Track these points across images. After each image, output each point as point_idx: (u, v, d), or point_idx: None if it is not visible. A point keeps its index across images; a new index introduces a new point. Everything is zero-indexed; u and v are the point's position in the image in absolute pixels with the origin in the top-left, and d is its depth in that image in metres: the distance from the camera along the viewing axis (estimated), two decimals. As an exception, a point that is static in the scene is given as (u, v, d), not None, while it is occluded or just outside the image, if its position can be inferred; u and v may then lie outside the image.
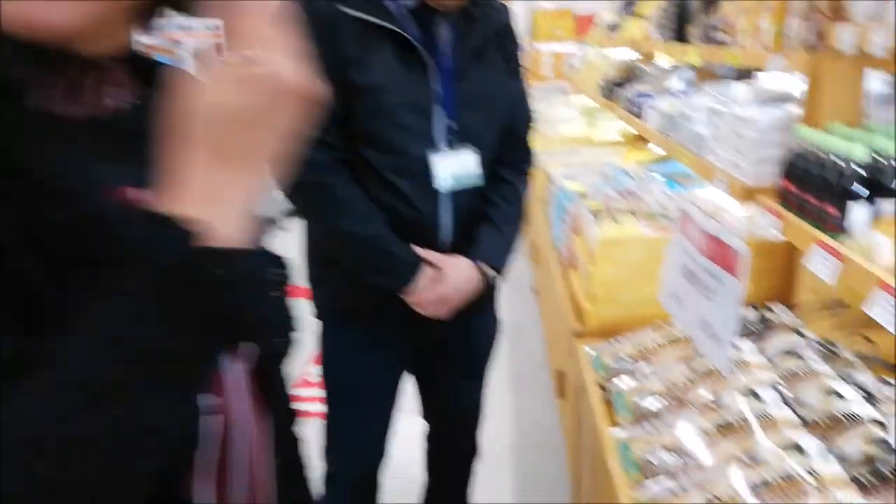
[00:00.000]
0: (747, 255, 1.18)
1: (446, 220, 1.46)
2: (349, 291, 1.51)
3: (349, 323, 1.56)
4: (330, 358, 1.63)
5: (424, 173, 1.42)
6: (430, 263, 1.45)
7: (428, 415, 1.90)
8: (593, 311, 2.03)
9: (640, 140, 3.80)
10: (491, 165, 1.54)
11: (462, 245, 1.50)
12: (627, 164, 3.13)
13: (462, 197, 1.47)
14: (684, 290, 1.48)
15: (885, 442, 1.07)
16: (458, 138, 1.44)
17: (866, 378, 1.31)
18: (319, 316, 1.62)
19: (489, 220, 1.53)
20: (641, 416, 1.45)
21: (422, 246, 1.45)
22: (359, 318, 1.54)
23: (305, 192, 1.40)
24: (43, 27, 0.50)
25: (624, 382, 1.59)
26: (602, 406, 1.59)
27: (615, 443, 1.42)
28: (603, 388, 1.66)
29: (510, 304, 3.91)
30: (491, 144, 1.52)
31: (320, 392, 1.67)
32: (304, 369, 3.21)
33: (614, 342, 1.79)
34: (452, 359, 1.73)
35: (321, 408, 1.68)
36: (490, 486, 2.38)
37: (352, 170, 1.41)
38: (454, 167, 1.44)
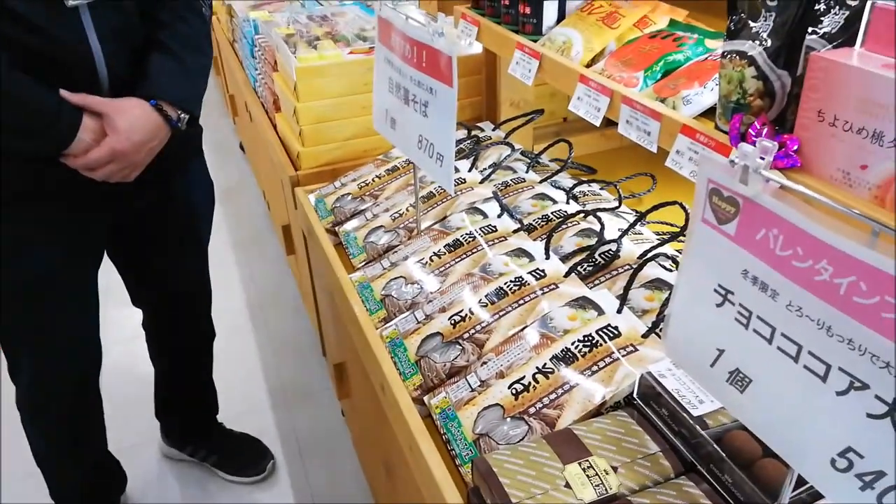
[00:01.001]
0: (455, 55, 1.09)
1: (95, 47, 1.11)
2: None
3: (15, 210, 1.18)
4: None
5: None
6: (91, 111, 1.11)
7: (140, 300, 1.62)
8: (306, 153, 1.86)
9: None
10: None
11: (129, 83, 1.17)
12: (317, -9, 2.85)
13: (108, 13, 1.11)
14: (397, 110, 1.38)
15: (594, 233, 1.14)
16: None
17: (567, 181, 1.38)
18: None
19: (161, 45, 1.20)
20: (376, 254, 1.39)
21: (74, 89, 1.10)
22: (10, 198, 1.17)
23: None
24: None
25: (352, 223, 1.50)
26: (334, 251, 1.49)
27: (354, 285, 1.35)
28: (333, 233, 1.56)
29: (218, 167, 3.53)
30: None
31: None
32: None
33: (337, 184, 1.67)
34: (157, 232, 1.45)
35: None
36: (233, 357, 2.24)
37: None
38: None
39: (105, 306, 1.43)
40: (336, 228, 1.54)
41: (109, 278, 1.47)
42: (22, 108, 1.05)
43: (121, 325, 1.90)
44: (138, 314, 1.67)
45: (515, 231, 1.22)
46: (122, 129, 1.12)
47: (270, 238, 2.96)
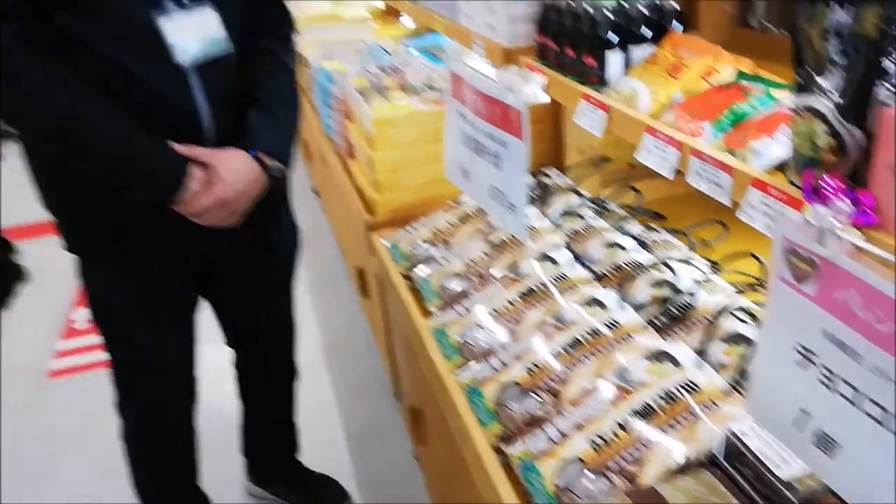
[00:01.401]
0: (526, 111, 1.14)
1: (202, 103, 1.21)
2: (103, 211, 1.24)
3: (113, 250, 1.29)
4: (98, 297, 1.36)
5: (156, 43, 1.14)
6: (198, 161, 1.21)
7: (233, 340, 1.72)
8: (381, 200, 1.95)
9: (390, 14, 3.67)
10: (242, 32, 1.29)
11: (228, 135, 1.27)
12: (383, 40, 2.99)
13: (212, 72, 1.21)
14: (469, 161, 1.44)
15: (668, 283, 1.15)
16: None
17: (636, 228, 1.40)
18: (73, 249, 1.32)
19: (257, 100, 1.31)
20: (450, 300, 1.43)
21: (180, 141, 1.20)
22: (124, 242, 1.28)
23: None
24: None
25: (426, 268, 1.56)
26: (410, 296, 1.54)
27: (430, 331, 1.39)
28: (407, 277, 1.62)
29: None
30: (233, 2, 1.26)
31: (98, 338, 1.42)
32: (68, 315, 2.80)
33: (410, 230, 1.74)
34: (251, 274, 1.55)
35: (104, 356, 1.44)
36: (308, 397, 2.32)
37: (55, 49, 1.09)
38: (192, 32, 1.17)
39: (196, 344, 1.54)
40: (411, 273, 1.60)
41: (202, 317, 1.57)
42: (136, 159, 1.16)
43: (211, 363, 2.01)
44: (228, 352, 1.77)
45: (587, 279, 1.25)
46: (226, 178, 1.22)
47: (343, 280, 3.06)
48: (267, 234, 1.50)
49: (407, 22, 3.38)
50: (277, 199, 1.48)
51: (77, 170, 1.19)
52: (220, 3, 1.22)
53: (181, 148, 1.20)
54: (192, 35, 1.18)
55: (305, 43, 3.11)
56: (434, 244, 1.65)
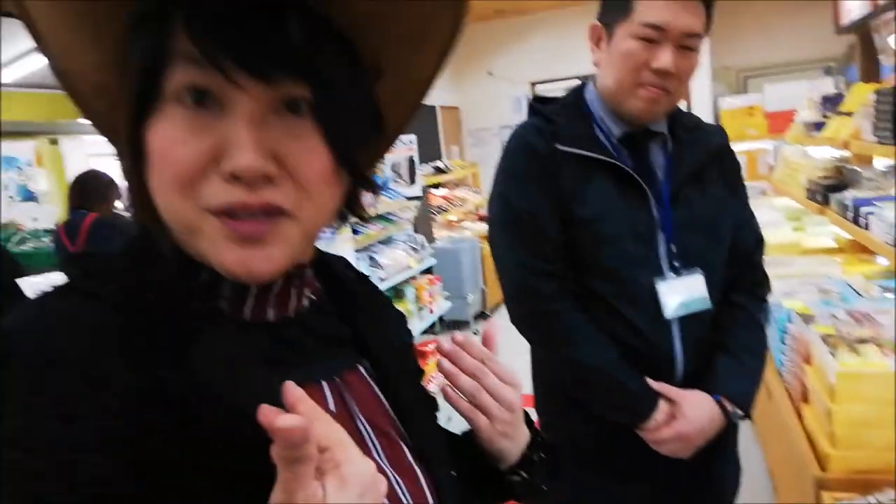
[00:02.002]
0: None
1: (678, 349, 1.42)
2: (583, 433, 1.51)
3: (583, 466, 1.54)
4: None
5: (651, 301, 1.40)
6: (666, 397, 1.41)
7: None
8: (836, 456, 1.84)
9: (859, 247, 3.48)
10: (721, 291, 1.49)
11: (697, 377, 1.44)
12: (851, 278, 2.85)
13: (692, 324, 1.42)
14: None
15: None
16: (682, 263, 1.42)
17: None
18: None
19: (726, 349, 1.46)
20: None
21: (654, 377, 1.42)
22: (593, 460, 1.53)
23: (535, 322, 1.46)
24: (249, 276, 0.52)
25: (891, 553, 1.41)
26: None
27: None
28: (863, 555, 1.48)
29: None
30: (718, 268, 1.47)
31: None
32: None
33: (872, 500, 1.60)
34: None
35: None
36: None
37: (580, 300, 1.44)
38: (681, 293, 1.41)
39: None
40: (869, 551, 1.46)
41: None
42: (621, 388, 1.41)
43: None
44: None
45: None
46: (689, 416, 1.38)
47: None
48: (712, 470, 1.59)
49: (882, 260, 3.18)
50: (726, 438, 1.57)
51: (568, 389, 1.51)
52: (705, 269, 1.44)
53: (654, 384, 1.41)
54: (680, 295, 1.42)
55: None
56: (904, 525, 1.48)
